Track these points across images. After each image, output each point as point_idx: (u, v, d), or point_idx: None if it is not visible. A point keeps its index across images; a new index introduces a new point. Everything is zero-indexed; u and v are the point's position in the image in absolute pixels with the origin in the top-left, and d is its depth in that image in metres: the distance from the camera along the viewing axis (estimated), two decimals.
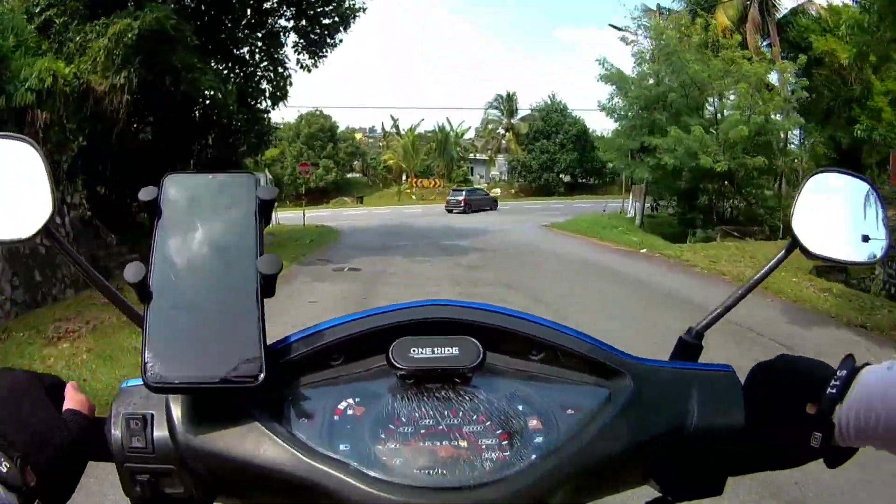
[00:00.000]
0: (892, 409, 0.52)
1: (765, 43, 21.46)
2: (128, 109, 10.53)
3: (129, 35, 10.59)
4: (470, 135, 48.76)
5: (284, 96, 14.34)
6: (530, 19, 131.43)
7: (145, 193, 0.55)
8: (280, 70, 14.51)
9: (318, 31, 14.35)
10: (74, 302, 8.38)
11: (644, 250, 14.30)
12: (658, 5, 20.39)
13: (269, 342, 0.53)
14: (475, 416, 0.55)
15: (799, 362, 0.60)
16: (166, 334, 0.51)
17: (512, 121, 46.27)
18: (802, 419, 0.56)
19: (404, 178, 45.68)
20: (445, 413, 0.55)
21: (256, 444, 0.52)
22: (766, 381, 0.60)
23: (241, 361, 0.51)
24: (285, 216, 24.26)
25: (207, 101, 11.48)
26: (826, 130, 19.10)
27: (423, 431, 0.54)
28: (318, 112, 43.66)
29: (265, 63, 14.29)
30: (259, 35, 14.12)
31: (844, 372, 0.55)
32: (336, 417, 0.55)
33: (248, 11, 14.16)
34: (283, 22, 14.73)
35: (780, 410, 0.58)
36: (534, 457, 0.53)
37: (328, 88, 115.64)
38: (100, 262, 11.51)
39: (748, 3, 21.06)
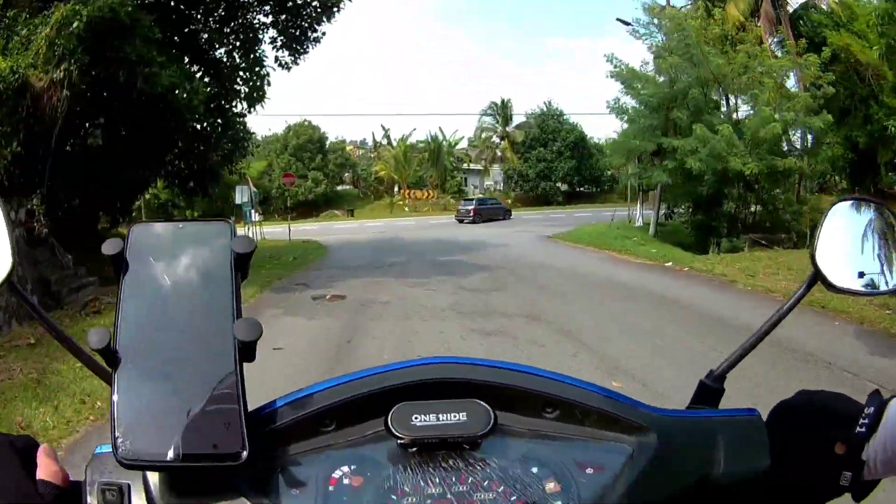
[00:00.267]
0: None
1: (776, 39, 20.51)
2: (68, 108, 8.84)
3: (77, 23, 9.02)
4: (463, 144, 47.33)
5: (261, 98, 12.70)
6: (524, 26, 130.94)
7: (109, 246, 0.52)
8: (257, 69, 12.91)
9: (299, 23, 12.73)
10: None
11: (669, 264, 12.73)
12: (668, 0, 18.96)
13: (251, 408, 0.50)
14: (487, 483, 0.52)
15: (823, 398, 0.58)
16: (137, 404, 0.48)
17: (507, 128, 44.68)
18: (831, 459, 0.54)
19: (396, 189, 44.01)
20: (453, 481, 0.51)
21: None
22: (790, 420, 0.58)
23: (221, 435, 0.47)
24: (271, 231, 22.92)
25: (171, 101, 9.79)
26: (842, 130, 18.02)
27: (429, 502, 0.50)
28: (306, 123, 42.31)
29: (240, 62, 12.65)
30: (232, 29, 12.45)
31: (872, 409, 0.53)
32: (331, 488, 0.51)
33: (222, 4, 12.60)
34: (261, 17, 13.23)
35: (806, 450, 0.56)
36: None
37: (318, 99, 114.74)
38: (51, 286, 9.90)
39: None
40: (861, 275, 0.64)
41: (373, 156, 47.34)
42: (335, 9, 12.38)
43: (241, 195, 19.64)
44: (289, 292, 9.86)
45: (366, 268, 12.84)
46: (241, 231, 0.50)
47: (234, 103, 12.66)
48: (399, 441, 0.52)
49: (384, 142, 45.86)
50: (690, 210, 18.53)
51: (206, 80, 11.99)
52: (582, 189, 44.07)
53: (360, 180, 46.00)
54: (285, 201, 32.18)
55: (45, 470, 0.53)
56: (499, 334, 6.61)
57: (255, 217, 21.25)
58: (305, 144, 41.29)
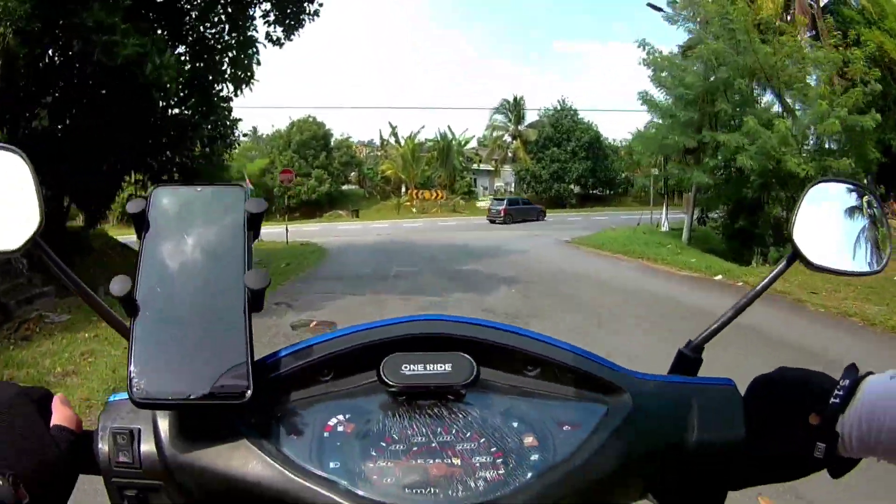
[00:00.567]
0: (894, 419, 0.50)
1: (810, 34, 19.00)
2: (5, 83, 7.22)
3: None
4: (473, 144, 45.55)
5: (249, 80, 11.04)
6: (532, 29, 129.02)
7: (133, 206, 0.54)
8: (247, 49, 11.27)
9: None
10: None
11: (720, 277, 10.99)
12: None
13: (256, 358, 0.52)
14: (469, 434, 0.53)
15: (800, 374, 0.58)
16: (152, 349, 0.50)
17: (519, 127, 42.91)
18: (806, 430, 0.54)
19: (403, 189, 42.32)
20: (438, 430, 0.54)
21: (244, 460, 0.51)
22: (768, 394, 0.58)
23: (228, 377, 0.49)
24: (269, 231, 21.23)
25: (137, 77, 8.18)
26: (874, 133, 16.41)
27: (414, 449, 0.52)
28: (310, 119, 40.64)
29: (224, 37, 11.00)
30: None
31: (847, 381, 0.54)
32: (326, 434, 0.53)
33: None
34: None
35: (782, 422, 0.56)
36: (529, 475, 0.51)
37: (323, 98, 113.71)
38: None
39: None
40: (839, 254, 0.64)
41: (379, 154, 45.68)
42: None
43: None
44: (264, 316, 8.01)
45: (367, 279, 11.12)
46: None
47: (218, 86, 11.03)
48: (390, 389, 0.54)
49: (391, 139, 44.19)
50: (727, 215, 16.79)
51: (186, 57, 10.36)
52: (595, 192, 42.36)
53: (366, 180, 44.32)
54: (288, 200, 30.58)
55: (59, 415, 0.54)
56: None
57: None
58: (309, 141, 39.61)
